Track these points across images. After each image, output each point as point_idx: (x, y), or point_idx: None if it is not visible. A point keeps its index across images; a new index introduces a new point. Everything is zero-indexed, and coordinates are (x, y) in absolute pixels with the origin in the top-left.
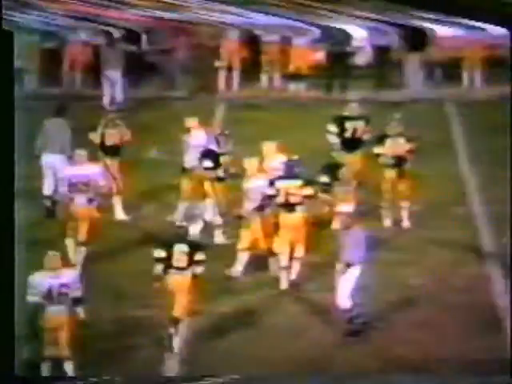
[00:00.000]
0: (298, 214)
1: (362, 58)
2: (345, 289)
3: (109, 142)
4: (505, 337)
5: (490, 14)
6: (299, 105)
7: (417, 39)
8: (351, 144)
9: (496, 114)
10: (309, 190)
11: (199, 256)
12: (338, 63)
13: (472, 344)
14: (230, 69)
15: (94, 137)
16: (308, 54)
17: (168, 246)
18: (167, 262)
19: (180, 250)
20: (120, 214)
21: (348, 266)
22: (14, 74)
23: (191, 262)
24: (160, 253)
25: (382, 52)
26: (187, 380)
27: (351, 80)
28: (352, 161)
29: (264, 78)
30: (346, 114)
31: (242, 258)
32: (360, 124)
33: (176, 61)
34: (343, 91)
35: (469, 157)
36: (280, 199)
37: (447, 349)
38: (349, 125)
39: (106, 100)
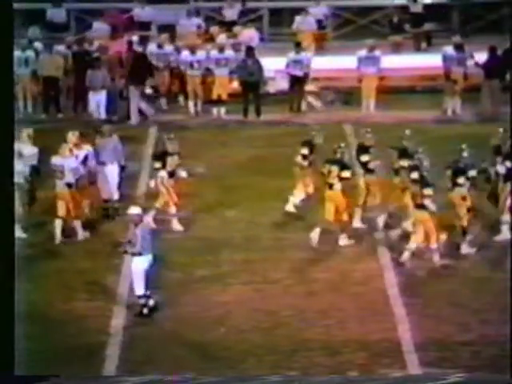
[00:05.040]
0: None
1: (272, 87)
2: (136, 277)
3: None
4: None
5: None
6: (221, 126)
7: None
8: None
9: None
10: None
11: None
12: (252, 91)
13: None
14: (161, 96)
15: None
16: (227, 83)
17: None
18: None
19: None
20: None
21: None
22: (13, 75)
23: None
24: None
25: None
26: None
27: (263, 105)
28: None
29: (190, 103)
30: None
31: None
32: None
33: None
34: (257, 115)
35: None
36: None
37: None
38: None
39: (95, 116)
